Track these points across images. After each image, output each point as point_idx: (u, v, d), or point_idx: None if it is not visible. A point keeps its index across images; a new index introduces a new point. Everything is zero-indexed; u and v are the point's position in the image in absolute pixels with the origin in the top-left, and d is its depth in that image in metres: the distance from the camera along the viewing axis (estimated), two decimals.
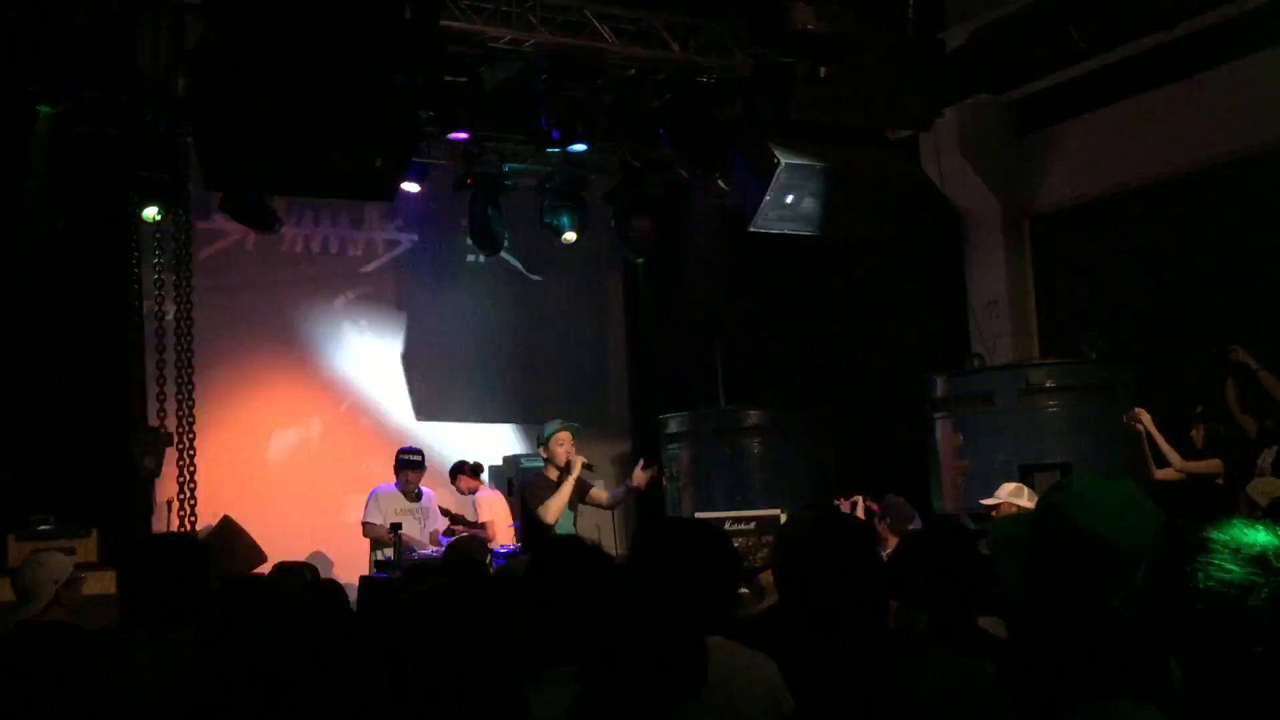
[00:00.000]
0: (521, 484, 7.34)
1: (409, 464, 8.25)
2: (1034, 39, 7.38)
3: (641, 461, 7.28)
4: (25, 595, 4.41)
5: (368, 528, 7.84)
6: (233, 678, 2.34)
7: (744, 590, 4.82)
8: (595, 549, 2.95)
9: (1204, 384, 7.41)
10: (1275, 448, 6.67)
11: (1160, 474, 7.28)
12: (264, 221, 9.53)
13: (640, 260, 12.11)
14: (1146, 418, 7.35)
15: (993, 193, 9.49)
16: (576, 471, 6.95)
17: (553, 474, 7.01)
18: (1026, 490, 6.65)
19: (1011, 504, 6.52)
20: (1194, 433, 7.27)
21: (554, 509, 6.79)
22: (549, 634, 2.56)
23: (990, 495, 6.73)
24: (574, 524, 7.17)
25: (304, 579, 4.67)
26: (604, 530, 7.82)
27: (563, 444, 7.07)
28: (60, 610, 4.36)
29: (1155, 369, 8.25)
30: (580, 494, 7.11)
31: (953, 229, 9.83)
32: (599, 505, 7.31)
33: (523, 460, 10.92)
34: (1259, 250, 8.00)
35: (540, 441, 7.21)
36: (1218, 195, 8.32)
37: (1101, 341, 8.27)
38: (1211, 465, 7.05)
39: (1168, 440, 7.40)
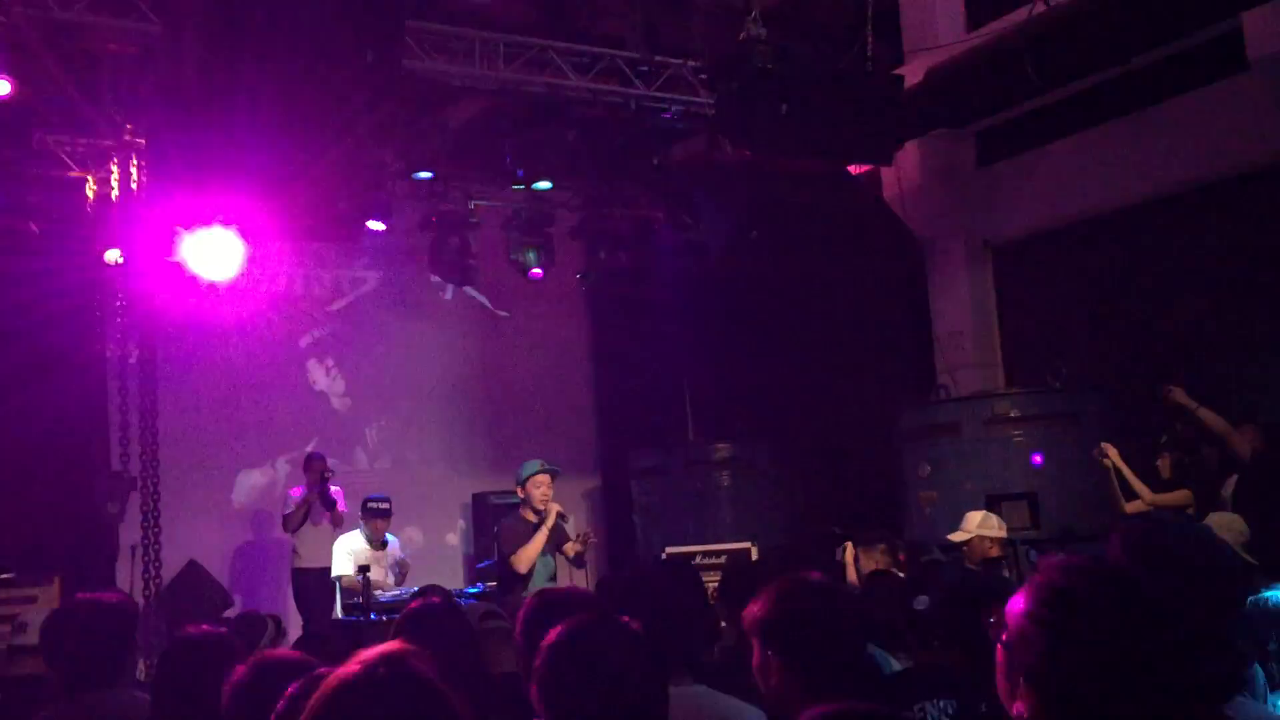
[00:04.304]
0: (497, 525, 7.20)
1: (376, 513, 8.17)
2: (989, 75, 7.47)
3: (578, 534, 7.14)
4: None
5: (345, 579, 7.76)
6: None
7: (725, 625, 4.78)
8: (592, 600, 2.90)
9: (1168, 413, 7.46)
10: (1234, 476, 6.72)
11: (1130, 507, 7.30)
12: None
13: (606, 296, 12.15)
14: (1114, 452, 7.37)
15: (955, 223, 9.58)
16: (551, 520, 6.80)
17: (530, 516, 6.88)
18: (995, 519, 6.62)
19: (982, 536, 6.50)
20: (1159, 462, 7.30)
21: (526, 558, 6.66)
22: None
23: (957, 528, 6.68)
24: (554, 570, 7.07)
25: (266, 630, 4.61)
26: (575, 578, 7.76)
27: (539, 486, 6.90)
28: None
29: (1118, 398, 8.32)
30: (556, 544, 6.99)
31: (916, 260, 9.91)
32: (566, 558, 7.23)
33: (492, 499, 10.89)
34: (1222, 278, 8.11)
35: (518, 480, 7.06)
36: (1179, 224, 8.43)
37: (1065, 371, 8.33)
38: (1180, 497, 7.07)
39: (1134, 470, 7.44)
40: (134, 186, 8.79)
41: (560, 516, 6.88)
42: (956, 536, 6.60)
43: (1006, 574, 6.60)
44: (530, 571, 6.66)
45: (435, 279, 11.40)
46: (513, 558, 6.66)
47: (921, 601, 3.29)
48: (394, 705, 1.51)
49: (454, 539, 11.71)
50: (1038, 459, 8.09)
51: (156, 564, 9.02)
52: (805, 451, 10.36)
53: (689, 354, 11.39)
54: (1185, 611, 1.75)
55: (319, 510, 9.23)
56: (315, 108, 5.94)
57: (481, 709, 2.20)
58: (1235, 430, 6.77)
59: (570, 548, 7.08)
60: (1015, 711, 1.64)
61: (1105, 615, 1.60)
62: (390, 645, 1.60)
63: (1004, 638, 1.72)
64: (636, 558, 10.32)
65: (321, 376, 11.25)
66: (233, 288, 10.57)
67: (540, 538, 6.72)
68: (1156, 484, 7.32)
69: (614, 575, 4.71)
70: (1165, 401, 7.00)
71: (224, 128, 5.85)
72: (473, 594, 7.36)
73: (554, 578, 7.03)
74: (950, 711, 3.07)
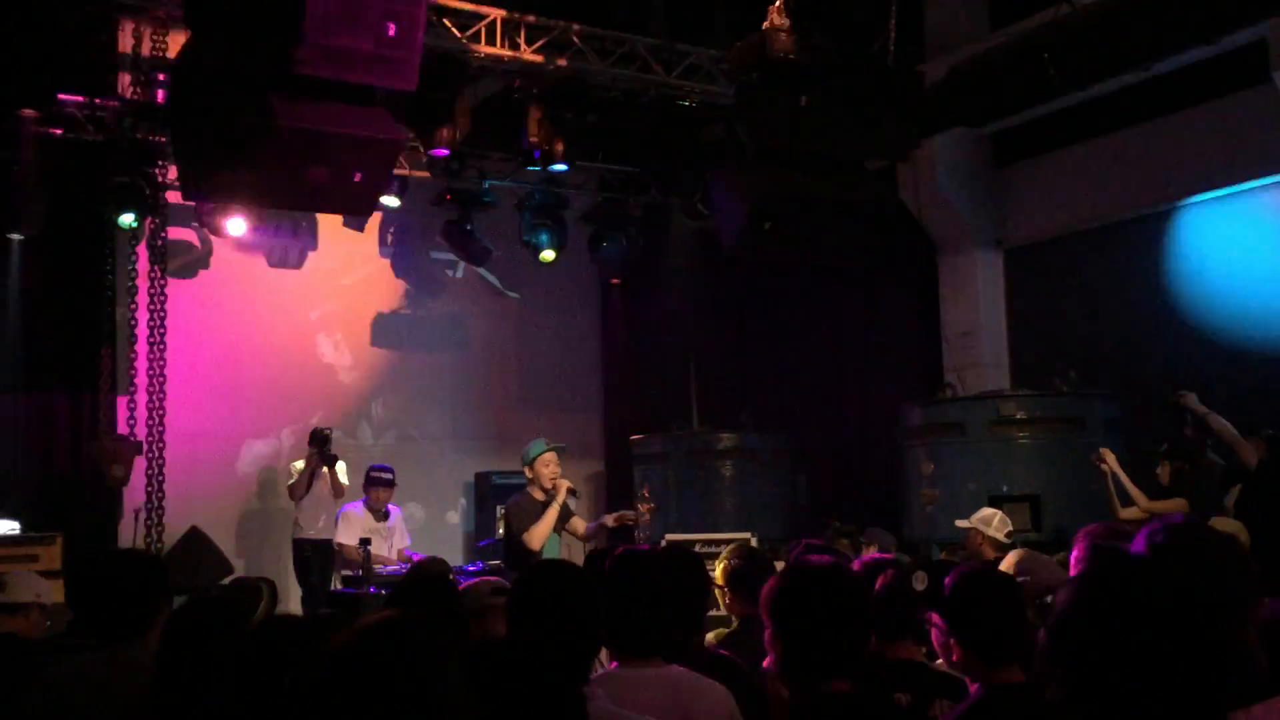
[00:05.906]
0: (505, 504, 7.21)
1: (379, 482, 8.18)
2: (1011, 74, 7.45)
3: (618, 514, 7.20)
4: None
5: (344, 548, 7.80)
6: (192, 701, 2.32)
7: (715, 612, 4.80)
8: (582, 575, 2.92)
9: (1172, 420, 7.47)
10: (1239, 486, 6.73)
11: (1125, 514, 7.29)
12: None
13: (617, 281, 12.15)
14: (1111, 458, 7.37)
15: (969, 223, 9.57)
16: (561, 497, 6.82)
17: (538, 495, 6.89)
18: (998, 519, 6.59)
19: (977, 530, 6.50)
20: (1159, 470, 7.30)
21: (539, 535, 6.67)
22: None
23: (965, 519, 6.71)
24: (559, 549, 7.09)
25: (260, 596, 4.61)
26: (574, 559, 7.76)
27: (548, 465, 6.91)
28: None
29: (1125, 403, 8.32)
30: (562, 521, 7.01)
31: (928, 259, 9.91)
32: (575, 536, 7.24)
33: (495, 478, 10.92)
34: (1233, 288, 8.10)
35: (525, 460, 7.07)
36: (1191, 233, 8.43)
37: (1072, 374, 8.33)
38: (1176, 505, 7.06)
39: (1135, 476, 7.44)
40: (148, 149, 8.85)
41: (571, 493, 6.91)
42: (960, 523, 6.62)
43: None
44: (542, 549, 6.68)
45: (447, 257, 11.43)
46: (525, 535, 6.68)
47: (920, 579, 3.26)
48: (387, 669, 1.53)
49: (455, 517, 11.74)
50: None
51: (159, 528, 9.08)
52: (809, 444, 10.37)
53: (697, 342, 11.39)
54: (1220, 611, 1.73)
55: (322, 482, 9.26)
56: (334, 78, 5.94)
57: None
58: (1243, 440, 6.77)
59: (577, 524, 7.10)
60: (1050, 696, 1.65)
61: (1142, 608, 1.59)
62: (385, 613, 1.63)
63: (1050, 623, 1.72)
64: (635, 542, 10.34)
65: (330, 349, 11.27)
66: (244, 256, 10.63)
67: (551, 515, 6.75)
68: (1155, 491, 7.32)
69: (602, 550, 4.72)
70: (1177, 406, 7.01)
71: (243, 97, 5.85)
72: (472, 573, 7.37)
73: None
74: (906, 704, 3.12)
